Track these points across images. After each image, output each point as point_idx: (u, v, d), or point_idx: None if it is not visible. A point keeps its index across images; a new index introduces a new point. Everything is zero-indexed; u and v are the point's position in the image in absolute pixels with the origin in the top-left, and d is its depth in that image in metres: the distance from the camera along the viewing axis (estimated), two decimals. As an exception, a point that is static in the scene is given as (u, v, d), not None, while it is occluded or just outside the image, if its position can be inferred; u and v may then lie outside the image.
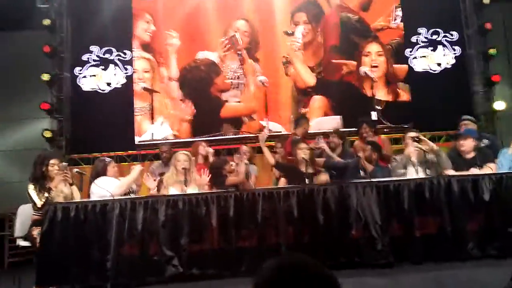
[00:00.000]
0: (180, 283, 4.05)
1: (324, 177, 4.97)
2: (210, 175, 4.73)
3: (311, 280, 0.89)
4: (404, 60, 7.92)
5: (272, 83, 7.78)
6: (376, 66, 7.79)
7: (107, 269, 4.04)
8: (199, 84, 7.84)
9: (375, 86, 7.63)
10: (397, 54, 7.94)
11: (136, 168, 4.61)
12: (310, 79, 7.81)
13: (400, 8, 8.01)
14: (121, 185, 4.50)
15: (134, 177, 4.57)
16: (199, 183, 4.70)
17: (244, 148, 5.72)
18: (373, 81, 7.62)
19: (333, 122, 7.22)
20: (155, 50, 8.00)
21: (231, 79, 7.80)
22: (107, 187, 4.36)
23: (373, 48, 7.89)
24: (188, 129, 7.73)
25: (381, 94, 7.76)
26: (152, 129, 7.63)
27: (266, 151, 5.18)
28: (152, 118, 7.70)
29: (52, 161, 4.54)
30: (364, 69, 7.68)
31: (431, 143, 4.88)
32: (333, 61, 7.85)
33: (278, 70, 7.88)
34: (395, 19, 8.00)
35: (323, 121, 7.45)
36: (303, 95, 7.80)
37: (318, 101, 7.73)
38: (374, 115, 7.32)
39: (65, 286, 4.06)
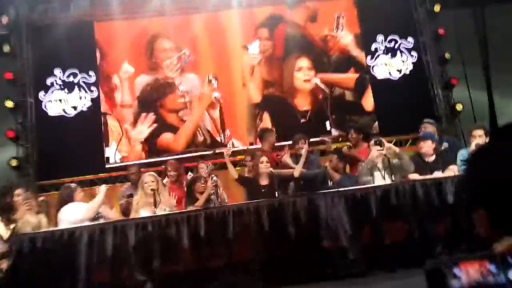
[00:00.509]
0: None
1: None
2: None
3: None
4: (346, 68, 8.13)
5: (227, 98, 7.85)
6: (308, 80, 7.97)
7: (78, 298, 3.98)
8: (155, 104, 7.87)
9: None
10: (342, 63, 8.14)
11: (101, 188, 4.57)
12: (256, 96, 7.93)
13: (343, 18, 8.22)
14: (90, 207, 4.44)
15: (101, 198, 4.52)
16: (169, 204, 4.70)
17: (202, 165, 5.76)
18: (325, 92, 7.81)
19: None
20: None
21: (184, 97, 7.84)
22: (76, 213, 4.31)
23: (303, 63, 8.06)
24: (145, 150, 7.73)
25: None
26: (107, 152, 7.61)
27: (230, 165, 5.25)
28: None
29: (16, 192, 4.46)
30: (315, 80, 7.85)
31: (393, 147, 4.99)
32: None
33: (234, 85, 7.95)
34: (339, 29, 8.21)
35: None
36: (258, 108, 7.92)
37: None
38: (328, 125, 7.52)
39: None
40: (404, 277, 4.03)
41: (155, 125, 7.74)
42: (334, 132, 7.63)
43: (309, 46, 8.17)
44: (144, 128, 7.72)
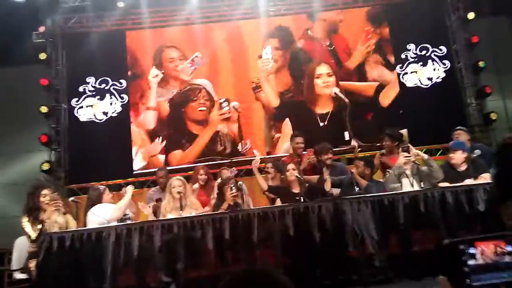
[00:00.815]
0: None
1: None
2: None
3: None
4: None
5: (244, 108, 7.89)
6: (327, 86, 7.92)
7: (104, 298, 4.02)
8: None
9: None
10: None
11: (129, 188, 4.64)
12: (274, 100, 7.92)
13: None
14: (118, 208, 4.51)
15: (128, 198, 4.59)
16: (195, 207, 4.72)
17: (224, 171, 5.77)
18: (345, 101, 7.73)
19: None
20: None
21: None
22: (103, 214, 4.38)
23: (322, 69, 8.01)
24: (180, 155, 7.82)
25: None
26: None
27: (259, 176, 5.24)
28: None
29: (43, 192, 4.56)
30: (334, 90, 7.77)
31: (421, 153, 4.88)
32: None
33: (250, 95, 8.00)
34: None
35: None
36: (273, 119, 7.90)
37: (289, 125, 7.86)
38: (347, 135, 7.40)
39: (62, 318, 4.03)
40: (431, 285, 3.91)
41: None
42: (354, 142, 7.52)
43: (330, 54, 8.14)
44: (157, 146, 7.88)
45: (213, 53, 8.17)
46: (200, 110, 7.95)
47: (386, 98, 8.00)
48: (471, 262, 0.63)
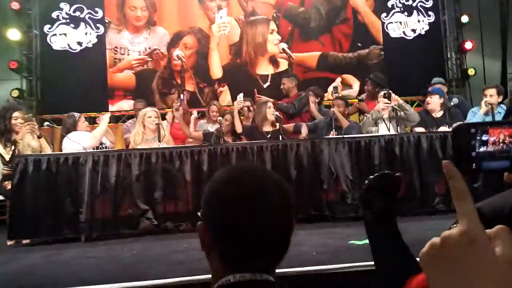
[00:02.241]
0: (154, 236, 4.10)
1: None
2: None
3: (260, 186, 0.88)
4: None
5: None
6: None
7: (80, 222, 4.05)
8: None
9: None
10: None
11: (105, 117, 4.58)
12: (217, 71, 7.73)
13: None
14: (93, 136, 4.47)
15: (104, 126, 4.55)
16: (169, 140, 4.73)
17: (213, 107, 5.75)
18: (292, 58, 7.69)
19: None
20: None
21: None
22: (80, 141, 4.31)
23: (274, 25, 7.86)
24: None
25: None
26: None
27: (237, 119, 5.27)
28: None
29: (15, 114, 4.44)
30: (282, 45, 7.70)
31: (398, 98, 4.95)
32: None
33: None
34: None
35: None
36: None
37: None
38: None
39: (37, 239, 4.05)
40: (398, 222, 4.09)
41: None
42: (338, 82, 7.49)
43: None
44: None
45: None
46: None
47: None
48: (481, 148, 0.64)
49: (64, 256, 3.51)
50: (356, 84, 7.71)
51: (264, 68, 7.80)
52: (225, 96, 7.64)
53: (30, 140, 4.33)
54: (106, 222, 4.14)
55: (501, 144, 0.68)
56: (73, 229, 4.04)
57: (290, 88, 5.84)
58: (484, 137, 0.67)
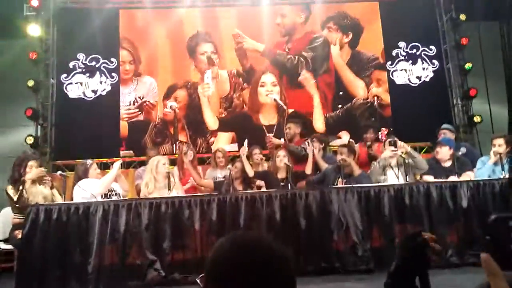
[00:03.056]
0: (162, 287, 4.06)
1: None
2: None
3: (264, 259, 0.89)
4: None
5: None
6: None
7: (88, 273, 4.03)
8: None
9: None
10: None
11: (115, 164, 4.64)
12: (213, 124, 7.88)
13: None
14: (102, 183, 4.49)
15: (114, 173, 4.59)
16: (180, 188, 4.78)
17: (218, 153, 5.81)
18: (284, 108, 7.79)
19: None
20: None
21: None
22: (90, 189, 4.37)
23: (267, 78, 8.02)
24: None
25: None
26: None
27: (246, 163, 5.30)
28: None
29: (30, 163, 4.52)
30: (274, 96, 7.83)
31: (406, 146, 4.97)
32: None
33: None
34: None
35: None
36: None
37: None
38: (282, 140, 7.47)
39: (44, 290, 4.02)
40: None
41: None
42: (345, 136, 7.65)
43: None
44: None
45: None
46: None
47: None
48: None
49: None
50: (346, 137, 7.76)
51: (266, 118, 7.93)
52: (217, 144, 7.68)
53: (42, 188, 4.39)
54: (114, 272, 4.11)
55: None
56: (80, 281, 4.01)
57: (296, 133, 5.91)
58: None
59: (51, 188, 4.60)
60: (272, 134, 7.60)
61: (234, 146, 7.59)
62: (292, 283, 0.91)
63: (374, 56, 8.23)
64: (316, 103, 7.98)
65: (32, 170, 4.50)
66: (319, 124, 7.95)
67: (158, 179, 4.64)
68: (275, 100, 7.84)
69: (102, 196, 4.48)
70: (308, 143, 5.53)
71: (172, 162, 5.74)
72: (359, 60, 8.19)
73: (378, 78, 8.14)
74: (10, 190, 4.41)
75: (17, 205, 4.37)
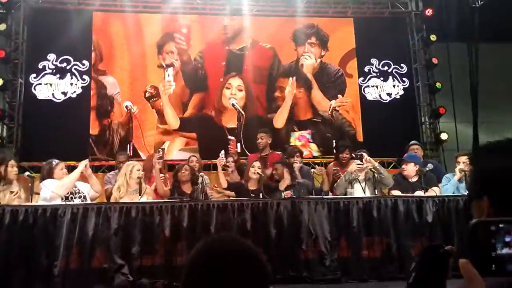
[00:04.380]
0: (129, 292, 4.00)
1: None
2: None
3: (240, 264, 0.91)
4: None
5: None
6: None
7: (54, 275, 3.93)
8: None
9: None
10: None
11: (80, 164, 4.54)
12: (174, 123, 7.84)
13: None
14: (62, 184, 4.37)
15: (76, 174, 4.49)
16: (150, 195, 4.73)
17: (192, 158, 5.79)
18: (240, 113, 7.88)
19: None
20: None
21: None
22: (51, 188, 4.26)
23: (235, 82, 8.11)
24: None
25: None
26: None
27: (221, 174, 5.33)
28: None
29: (11, 162, 4.39)
30: (232, 101, 7.94)
31: (373, 161, 5.10)
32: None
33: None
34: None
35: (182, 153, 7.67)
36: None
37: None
38: (239, 147, 7.62)
39: (7, 293, 3.90)
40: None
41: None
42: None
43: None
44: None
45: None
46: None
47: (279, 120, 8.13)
48: (504, 250, 0.61)
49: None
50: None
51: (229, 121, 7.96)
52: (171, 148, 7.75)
53: (20, 191, 4.27)
54: (80, 276, 4.03)
55: None
56: (46, 284, 3.91)
57: (267, 144, 5.96)
58: (507, 238, 0.66)
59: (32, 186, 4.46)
60: (234, 138, 7.72)
61: (184, 155, 7.43)
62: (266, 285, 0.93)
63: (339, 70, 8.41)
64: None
65: (13, 169, 4.36)
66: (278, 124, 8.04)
67: (130, 184, 4.59)
68: (233, 105, 7.90)
69: (62, 199, 4.35)
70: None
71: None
72: (326, 74, 8.36)
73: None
74: None
75: None
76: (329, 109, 8.19)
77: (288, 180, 5.09)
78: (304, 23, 8.38)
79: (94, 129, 7.74)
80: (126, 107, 7.76)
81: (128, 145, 7.63)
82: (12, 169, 4.37)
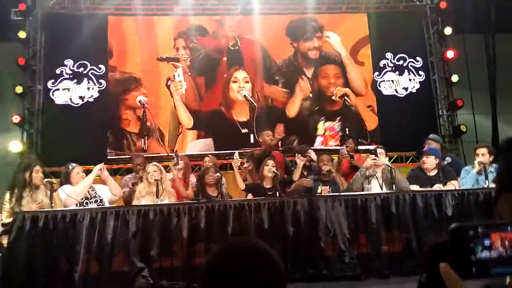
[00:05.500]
0: (149, 294, 4.04)
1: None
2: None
3: (255, 268, 0.91)
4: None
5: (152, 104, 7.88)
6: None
7: (74, 281, 3.99)
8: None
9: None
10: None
11: (95, 168, 4.58)
12: (187, 122, 7.88)
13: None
14: (74, 191, 4.41)
15: (90, 180, 4.53)
16: (171, 195, 4.74)
17: (206, 159, 5.81)
18: (254, 105, 7.83)
19: (206, 144, 7.71)
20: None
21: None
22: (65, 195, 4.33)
23: (240, 74, 8.08)
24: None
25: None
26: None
27: (238, 175, 5.32)
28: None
29: (37, 168, 4.44)
30: (244, 93, 7.89)
31: (388, 162, 5.07)
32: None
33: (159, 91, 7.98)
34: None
35: (196, 143, 7.77)
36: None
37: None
38: (252, 138, 7.62)
39: (29, 299, 3.97)
40: (396, 283, 4.08)
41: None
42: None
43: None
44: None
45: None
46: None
47: (292, 110, 8.10)
48: (484, 253, 0.62)
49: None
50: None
51: (239, 114, 7.95)
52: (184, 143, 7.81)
53: (42, 196, 4.33)
54: (101, 280, 4.07)
55: (504, 249, 0.65)
56: (67, 288, 3.97)
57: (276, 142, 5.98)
58: (486, 242, 0.65)
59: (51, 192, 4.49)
60: (247, 130, 7.72)
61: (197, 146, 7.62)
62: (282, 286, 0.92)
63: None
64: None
65: (39, 174, 4.41)
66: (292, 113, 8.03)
67: (150, 186, 4.64)
68: (245, 96, 7.88)
69: (77, 204, 4.39)
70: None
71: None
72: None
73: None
74: (7, 201, 4.29)
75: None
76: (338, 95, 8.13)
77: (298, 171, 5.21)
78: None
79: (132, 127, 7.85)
80: (140, 101, 7.80)
81: (142, 140, 7.71)
82: (37, 175, 4.38)
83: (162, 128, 7.87)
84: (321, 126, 8.04)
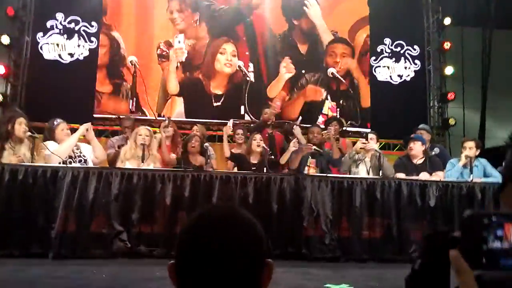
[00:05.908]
0: (126, 259, 4.00)
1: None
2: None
3: (238, 236, 0.85)
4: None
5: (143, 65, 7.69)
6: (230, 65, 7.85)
7: (51, 237, 3.92)
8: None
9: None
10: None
11: (80, 127, 4.44)
12: (174, 89, 7.72)
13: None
14: (59, 149, 4.27)
15: (74, 139, 4.41)
16: (156, 161, 4.66)
17: (195, 127, 5.72)
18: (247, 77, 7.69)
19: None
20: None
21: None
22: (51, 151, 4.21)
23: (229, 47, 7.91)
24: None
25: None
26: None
27: (225, 143, 5.26)
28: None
29: (19, 120, 4.29)
30: (239, 63, 7.74)
31: (376, 148, 5.06)
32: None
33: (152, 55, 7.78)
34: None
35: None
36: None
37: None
38: (242, 110, 7.59)
39: (4, 251, 3.89)
40: (374, 268, 4.11)
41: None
42: (247, 117, 7.57)
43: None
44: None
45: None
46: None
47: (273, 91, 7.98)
48: (496, 244, 0.59)
49: (31, 273, 3.38)
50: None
51: (217, 86, 7.82)
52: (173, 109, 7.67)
53: (25, 150, 4.20)
54: (78, 239, 4.02)
55: None
56: (42, 245, 3.90)
57: (272, 118, 5.93)
58: (499, 232, 0.62)
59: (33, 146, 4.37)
60: (220, 104, 7.63)
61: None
62: (259, 255, 0.86)
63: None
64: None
65: (22, 126, 4.28)
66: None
67: (137, 149, 4.54)
68: (239, 67, 7.74)
69: (60, 162, 4.23)
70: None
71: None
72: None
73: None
74: None
75: None
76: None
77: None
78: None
79: (104, 87, 7.63)
80: (131, 62, 7.62)
81: (131, 101, 7.57)
82: (21, 127, 4.24)
83: (152, 92, 7.71)
84: (327, 105, 7.97)
